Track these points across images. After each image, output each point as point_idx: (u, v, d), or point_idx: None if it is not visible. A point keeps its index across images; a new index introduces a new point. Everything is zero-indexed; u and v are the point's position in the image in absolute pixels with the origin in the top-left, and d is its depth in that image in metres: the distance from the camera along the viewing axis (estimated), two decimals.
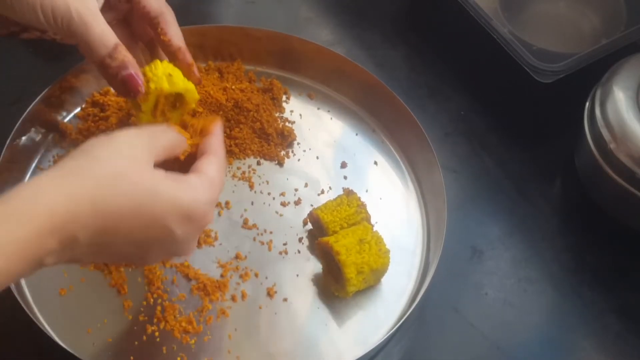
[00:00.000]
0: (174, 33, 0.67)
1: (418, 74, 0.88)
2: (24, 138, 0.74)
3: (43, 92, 0.75)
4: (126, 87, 0.62)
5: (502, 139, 0.83)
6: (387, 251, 0.68)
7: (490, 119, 0.84)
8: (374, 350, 0.65)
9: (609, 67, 0.75)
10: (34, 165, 0.75)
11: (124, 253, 0.53)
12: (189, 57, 0.68)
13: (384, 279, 0.69)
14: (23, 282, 0.67)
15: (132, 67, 0.60)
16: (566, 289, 0.74)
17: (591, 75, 0.77)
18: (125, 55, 0.60)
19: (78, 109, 0.79)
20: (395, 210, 0.75)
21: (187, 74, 0.67)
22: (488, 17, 0.81)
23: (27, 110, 0.73)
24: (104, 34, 0.59)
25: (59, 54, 0.84)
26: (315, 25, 0.91)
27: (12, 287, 0.64)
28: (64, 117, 0.78)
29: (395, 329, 0.66)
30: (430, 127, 0.77)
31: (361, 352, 0.64)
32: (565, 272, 0.75)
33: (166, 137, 0.58)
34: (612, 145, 0.71)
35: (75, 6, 0.57)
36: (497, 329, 0.71)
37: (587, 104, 0.76)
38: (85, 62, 0.76)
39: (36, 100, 0.74)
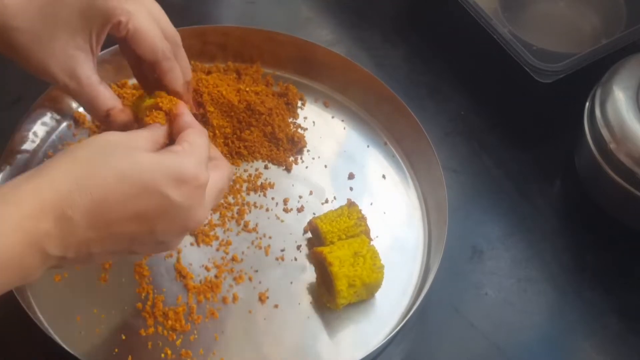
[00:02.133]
0: (171, 78, 0.64)
1: (418, 74, 0.88)
2: (38, 122, 0.75)
3: None
4: None
5: (502, 139, 0.83)
6: (382, 267, 0.67)
7: (490, 119, 0.84)
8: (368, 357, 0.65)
9: (609, 67, 0.75)
10: (43, 150, 0.76)
11: (131, 233, 0.51)
12: (187, 102, 0.66)
13: (378, 293, 0.69)
14: None
15: (129, 128, 0.62)
16: (566, 289, 0.74)
17: (591, 75, 0.77)
18: (119, 119, 0.61)
19: None
20: (397, 222, 0.75)
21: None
22: (488, 17, 0.81)
23: (45, 93, 0.74)
24: (94, 100, 0.61)
25: None
26: (315, 25, 0.91)
27: None
28: (80, 106, 0.78)
29: (395, 332, 0.66)
30: (430, 127, 0.77)
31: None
32: (565, 272, 0.75)
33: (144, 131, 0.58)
34: (612, 145, 0.71)
35: (61, 76, 0.59)
36: (497, 329, 0.71)
37: (587, 104, 0.76)
38: (106, 53, 0.76)
39: (53, 86, 0.74)
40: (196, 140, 0.56)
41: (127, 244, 0.52)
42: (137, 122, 0.61)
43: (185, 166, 0.53)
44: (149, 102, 0.61)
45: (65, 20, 0.58)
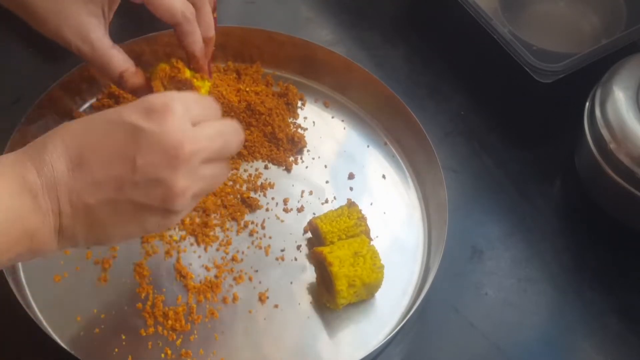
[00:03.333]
0: (189, 42, 0.64)
1: (418, 74, 0.88)
2: (38, 122, 0.75)
3: (62, 78, 0.75)
4: None
5: (502, 139, 0.83)
6: (382, 267, 0.67)
7: (490, 119, 0.84)
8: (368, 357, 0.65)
9: (609, 67, 0.75)
10: None
11: (115, 175, 0.50)
12: (202, 66, 0.67)
13: (378, 293, 0.69)
14: (19, 265, 0.68)
15: (141, 93, 0.62)
16: (566, 289, 0.74)
17: (591, 75, 0.77)
18: (132, 82, 0.63)
19: (94, 99, 0.79)
20: (397, 222, 0.75)
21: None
22: (488, 17, 0.81)
23: (45, 93, 0.74)
24: (107, 63, 0.62)
25: (60, 53, 0.84)
26: (315, 25, 0.91)
27: (5, 270, 0.65)
28: (80, 106, 0.78)
29: (395, 332, 0.66)
30: (430, 127, 0.77)
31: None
32: (565, 272, 0.75)
33: None
34: (612, 145, 0.71)
35: (75, 42, 0.61)
36: (497, 329, 0.71)
37: (587, 104, 0.76)
38: (130, 42, 0.77)
39: (53, 85, 0.75)
40: (182, 91, 0.57)
41: (117, 188, 0.50)
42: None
43: (153, 98, 0.52)
44: (161, 66, 0.63)
45: None
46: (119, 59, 0.62)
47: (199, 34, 0.64)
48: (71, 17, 0.60)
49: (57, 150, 0.50)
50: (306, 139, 0.79)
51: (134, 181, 0.50)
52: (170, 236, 0.71)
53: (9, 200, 0.48)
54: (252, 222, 0.73)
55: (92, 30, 0.61)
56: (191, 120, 0.52)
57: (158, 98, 0.52)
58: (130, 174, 0.50)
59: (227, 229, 0.73)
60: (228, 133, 0.55)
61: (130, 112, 0.51)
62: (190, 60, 0.68)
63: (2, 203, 0.48)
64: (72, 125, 0.52)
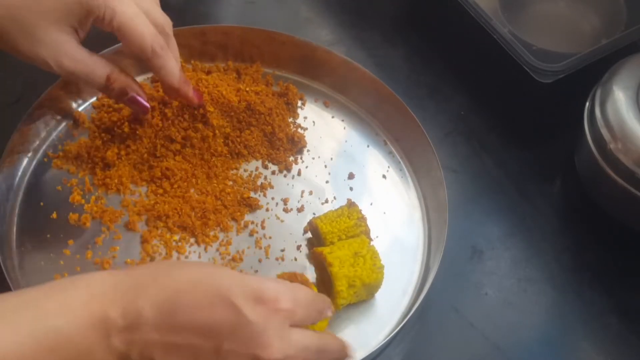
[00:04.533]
0: (164, 75, 0.64)
1: (418, 74, 0.88)
2: (38, 122, 0.75)
3: (62, 78, 0.75)
4: (134, 107, 0.64)
5: (502, 139, 0.83)
6: (382, 267, 0.67)
7: (490, 119, 0.84)
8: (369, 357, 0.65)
9: (609, 67, 0.75)
10: (43, 150, 0.76)
11: (196, 346, 0.48)
12: (186, 94, 0.68)
13: (378, 293, 0.69)
14: (19, 265, 0.68)
15: (131, 90, 0.61)
16: (566, 289, 0.74)
17: (591, 75, 0.77)
18: (120, 81, 0.62)
19: (94, 98, 0.79)
20: (397, 222, 0.75)
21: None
22: (488, 17, 0.81)
23: (45, 93, 0.74)
24: (91, 71, 0.61)
25: None
26: (315, 25, 0.91)
27: (5, 270, 0.65)
28: (80, 105, 0.79)
29: (395, 332, 0.66)
30: (430, 127, 0.77)
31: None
32: (565, 272, 0.75)
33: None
34: (612, 145, 0.71)
35: (53, 59, 0.60)
36: (497, 329, 0.71)
37: (587, 104, 0.76)
38: (106, 52, 0.76)
39: (53, 85, 0.75)
40: (299, 285, 0.53)
41: (191, 358, 0.48)
42: None
43: (267, 286, 0.49)
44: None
45: (48, 9, 0.59)
46: (102, 64, 0.62)
47: (173, 64, 0.64)
48: (44, 36, 0.59)
49: (152, 299, 0.47)
50: (306, 138, 0.79)
51: (209, 358, 0.48)
52: (171, 236, 0.71)
53: (84, 332, 0.46)
54: (252, 222, 0.73)
55: (68, 44, 0.60)
56: (293, 321, 0.50)
57: (270, 289, 0.49)
58: (210, 353, 0.48)
59: (227, 229, 0.73)
60: (322, 354, 0.53)
61: (239, 293, 0.48)
62: (170, 94, 0.68)
63: (78, 334, 0.46)
64: (177, 278, 0.49)
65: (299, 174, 0.77)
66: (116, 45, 0.78)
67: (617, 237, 0.77)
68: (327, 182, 0.77)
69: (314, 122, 0.81)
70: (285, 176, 0.77)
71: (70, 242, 0.70)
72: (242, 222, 0.73)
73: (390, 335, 0.65)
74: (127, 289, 0.48)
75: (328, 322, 0.66)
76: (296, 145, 0.78)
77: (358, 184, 0.77)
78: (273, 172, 0.77)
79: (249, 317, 0.48)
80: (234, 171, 0.76)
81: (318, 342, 0.53)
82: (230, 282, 0.49)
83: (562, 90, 0.79)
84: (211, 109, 0.75)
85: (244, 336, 0.48)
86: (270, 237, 0.73)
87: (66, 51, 0.60)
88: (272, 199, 0.75)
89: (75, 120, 0.78)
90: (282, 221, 0.74)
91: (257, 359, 0.48)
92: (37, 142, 0.76)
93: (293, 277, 0.62)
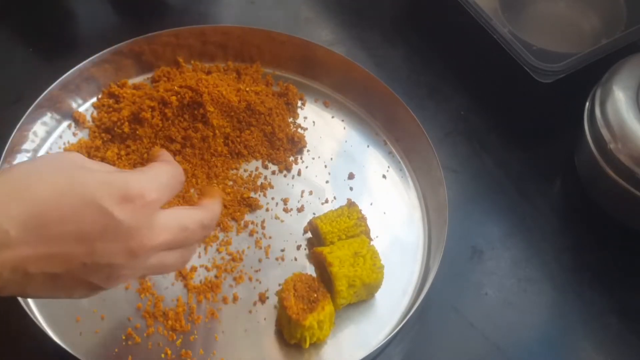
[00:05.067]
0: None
1: (418, 74, 0.88)
2: (38, 122, 0.75)
3: (62, 78, 0.76)
4: None
5: (502, 139, 0.83)
6: (382, 267, 0.67)
7: (490, 119, 0.84)
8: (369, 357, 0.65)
9: (608, 67, 0.75)
10: (43, 150, 0.76)
11: (68, 253, 0.48)
12: None
13: (378, 293, 0.69)
14: None
15: None
16: (566, 289, 0.74)
17: (591, 75, 0.77)
18: None
19: (94, 99, 0.80)
20: (397, 222, 0.75)
21: None
22: (488, 17, 0.81)
23: (45, 93, 0.74)
24: None
25: (59, 53, 0.84)
26: (315, 25, 0.91)
27: None
28: (80, 105, 0.79)
29: (395, 332, 0.66)
30: (430, 127, 0.77)
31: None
32: (565, 272, 0.75)
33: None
34: (612, 145, 0.71)
35: None
36: (497, 329, 0.71)
37: (587, 104, 0.76)
38: (106, 53, 0.77)
39: (53, 85, 0.75)
40: (158, 165, 0.53)
41: (66, 266, 0.48)
42: None
43: (132, 184, 0.49)
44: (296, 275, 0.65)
45: None
46: None
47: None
48: None
49: (17, 218, 0.46)
50: (306, 138, 0.79)
51: (84, 262, 0.48)
52: None
53: None
54: (252, 222, 0.73)
55: None
56: (162, 205, 0.51)
57: (135, 186, 0.49)
58: (84, 256, 0.48)
59: (227, 229, 0.73)
60: (193, 224, 0.53)
61: (104, 196, 0.48)
62: None
63: None
64: (38, 191, 0.47)
65: (299, 174, 0.77)
66: (116, 45, 0.78)
67: (617, 237, 0.77)
68: (327, 182, 0.77)
69: (314, 122, 0.81)
70: (285, 176, 0.77)
71: None
72: (242, 222, 0.73)
73: (390, 335, 0.65)
74: None
75: (333, 321, 0.66)
76: (296, 145, 0.78)
77: (358, 184, 0.77)
78: (273, 172, 0.77)
79: (118, 217, 0.48)
80: (234, 171, 0.76)
81: (194, 216, 0.53)
82: (94, 186, 0.48)
83: (562, 90, 0.79)
84: (211, 109, 0.75)
85: (116, 235, 0.48)
86: (270, 237, 0.73)
87: None
88: (272, 199, 0.75)
89: (75, 120, 0.78)
90: (282, 221, 0.74)
91: (133, 251, 0.49)
92: (37, 142, 0.76)
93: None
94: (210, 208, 0.57)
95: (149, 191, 0.50)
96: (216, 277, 0.70)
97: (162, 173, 0.53)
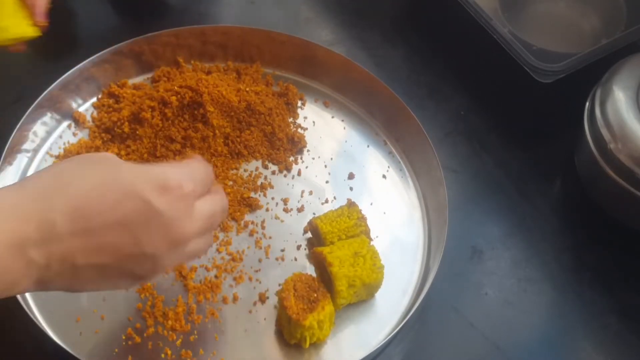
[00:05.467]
0: None
1: (418, 74, 0.88)
2: (38, 122, 0.75)
3: (62, 78, 0.76)
4: None
5: (502, 139, 0.83)
6: (382, 267, 0.67)
7: (490, 119, 0.84)
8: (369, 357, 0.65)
9: (608, 67, 0.75)
10: (43, 150, 0.76)
11: (115, 243, 0.49)
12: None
13: (378, 293, 0.69)
14: None
15: None
16: (566, 289, 0.74)
17: (591, 75, 0.77)
18: None
19: (94, 99, 0.80)
20: (397, 222, 0.75)
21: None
22: (488, 17, 0.81)
23: (45, 93, 0.75)
24: None
25: (59, 53, 0.84)
26: (315, 25, 0.91)
27: None
28: (80, 105, 0.79)
29: (395, 332, 0.66)
30: (430, 127, 0.77)
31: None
32: (565, 272, 0.75)
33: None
34: (612, 145, 0.71)
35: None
36: (497, 329, 0.71)
37: (587, 104, 0.76)
38: (106, 53, 0.77)
39: (53, 85, 0.75)
40: (190, 162, 0.55)
41: (113, 256, 0.50)
42: None
43: (169, 175, 0.51)
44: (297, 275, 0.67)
45: None
46: None
47: None
48: None
49: (62, 209, 0.48)
50: (306, 138, 0.79)
51: (130, 253, 0.50)
52: None
53: (0, 252, 0.46)
54: (252, 222, 0.73)
55: None
56: (196, 198, 0.53)
57: (173, 178, 0.51)
58: (129, 247, 0.50)
59: (227, 229, 0.73)
60: (219, 210, 0.56)
61: (144, 186, 0.49)
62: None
63: None
64: (81, 184, 0.49)
65: (299, 174, 0.77)
66: (116, 45, 0.78)
67: (617, 237, 0.77)
68: (327, 182, 0.77)
69: (314, 122, 0.81)
70: (285, 176, 0.77)
71: None
72: (242, 222, 0.73)
73: (390, 335, 0.65)
74: (34, 204, 0.48)
75: (333, 321, 0.66)
76: (296, 145, 0.78)
77: (358, 184, 0.77)
78: (273, 172, 0.77)
79: (157, 207, 0.49)
80: (234, 171, 0.76)
81: (216, 203, 0.55)
82: (134, 177, 0.50)
83: (562, 90, 0.79)
84: (211, 109, 0.75)
85: (158, 225, 0.50)
86: (270, 237, 0.73)
87: None
88: (272, 199, 0.75)
89: (75, 120, 0.78)
90: (282, 221, 0.74)
91: (174, 241, 0.51)
92: (37, 142, 0.76)
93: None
94: (221, 192, 0.58)
95: (187, 182, 0.51)
96: (216, 277, 0.70)
97: (197, 168, 0.54)
